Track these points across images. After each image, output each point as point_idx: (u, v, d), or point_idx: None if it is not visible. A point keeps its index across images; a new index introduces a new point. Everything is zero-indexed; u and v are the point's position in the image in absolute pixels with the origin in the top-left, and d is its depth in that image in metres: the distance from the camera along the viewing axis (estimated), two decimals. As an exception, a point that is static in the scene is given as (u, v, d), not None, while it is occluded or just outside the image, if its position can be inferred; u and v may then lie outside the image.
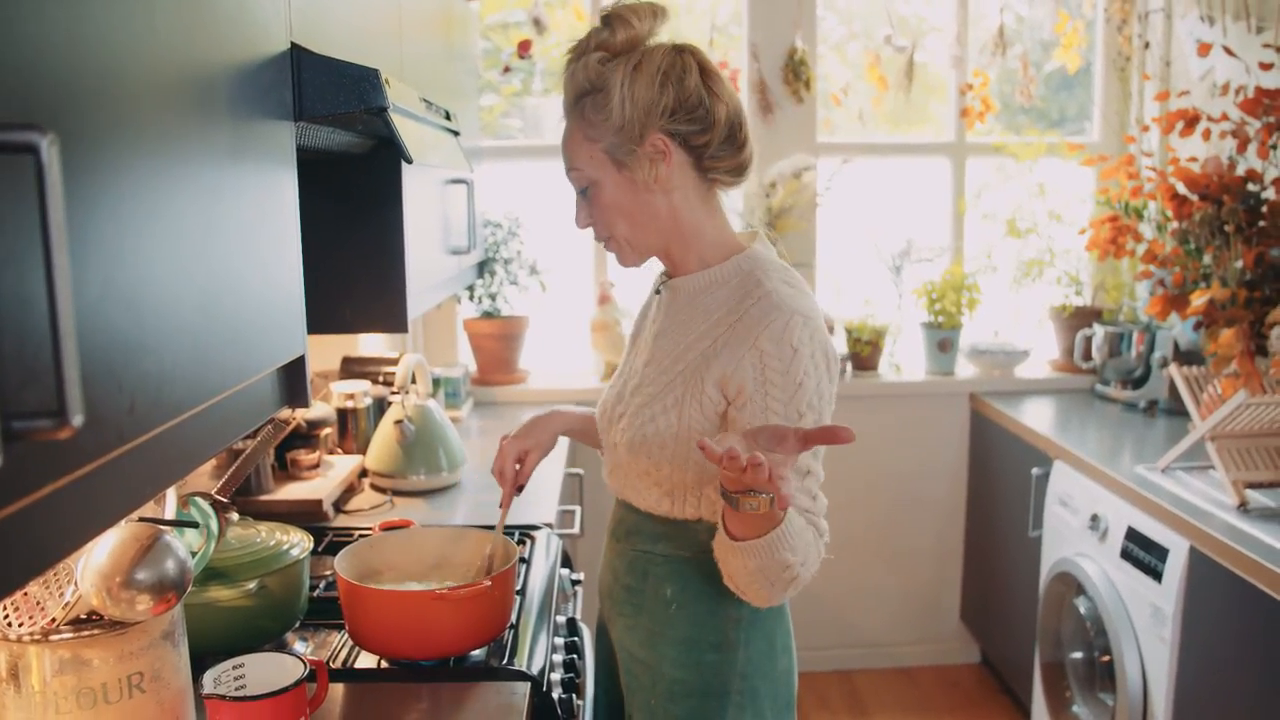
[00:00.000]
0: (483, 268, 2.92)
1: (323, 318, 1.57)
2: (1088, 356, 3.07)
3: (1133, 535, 2.22)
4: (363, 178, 1.56)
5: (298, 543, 1.44)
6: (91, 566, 0.94)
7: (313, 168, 1.43)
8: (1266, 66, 2.52)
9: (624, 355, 1.46)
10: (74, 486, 0.66)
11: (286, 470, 2.07)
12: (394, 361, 2.50)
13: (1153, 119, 2.97)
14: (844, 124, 3.31)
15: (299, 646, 1.44)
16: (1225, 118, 2.53)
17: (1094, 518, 2.39)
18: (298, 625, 1.45)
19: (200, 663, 1.15)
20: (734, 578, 1.20)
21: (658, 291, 1.40)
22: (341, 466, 2.14)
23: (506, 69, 3.12)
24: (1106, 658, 2.29)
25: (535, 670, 1.36)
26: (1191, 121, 2.59)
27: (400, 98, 1.28)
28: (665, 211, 1.29)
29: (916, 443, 3.23)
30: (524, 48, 3.03)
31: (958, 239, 3.32)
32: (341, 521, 2.00)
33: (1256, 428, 2.14)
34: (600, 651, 1.50)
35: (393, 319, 1.59)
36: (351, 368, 2.53)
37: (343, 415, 2.30)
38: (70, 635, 0.97)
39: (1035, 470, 2.71)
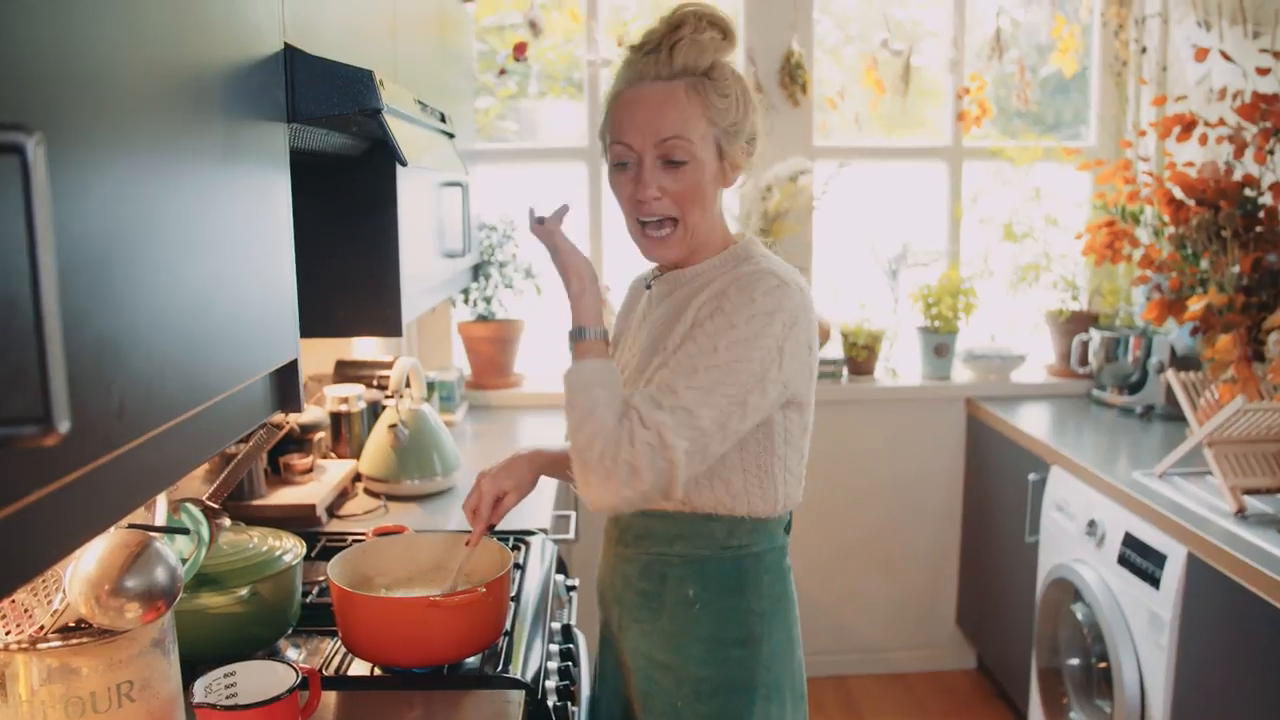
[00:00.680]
0: (477, 271, 2.90)
1: (316, 321, 1.55)
2: (1084, 361, 3.06)
3: (1130, 541, 2.21)
4: (357, 180, 1.54)
5: (290, 549, 1.42)
6: (80, 574, 0.92)
7: (307, 170, 1.41)
8: (1263, 72, 2.52)
9: (613, 353, 1.45)
10: (60, 493, 0.64)
11: (279, 475, 2.05)
12: (388, 365, 2.48)
13: (1149, 124, 2.97)
14: (840, 128, 3.30)
15: (291, 654, 1.42)
16: (1222, 123, 2.53)
17: (1091, 523, 2.38)
18: (290, 632, 1.44)
19: (191, 671, 1.14)
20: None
21: (648, 287, 1.41)
22: (335, 471, 2.13)
23: (502, 71, 3.11)
24: (1104, 664, 2.28)
25: (530, 678, 1.35)
26: (1188, 126, 2.58)
27: (394, 99, 1.27)
28: (715, 206, 1.33)
29: (913, 447, 3.22)
30: (520, 50, 3.02)
31: (954, 243, 3.32)
32: (335, 527, 1.98)
33: (1254, 433, 2.13)
34: (606, 663, 1.47)
35: (387, 322, 1.58)
36: (345, 371, 2.51)
37: (336, 419, 2.28)
38: (58, 643, 0.96)
39: (1032, 475, 2.70)
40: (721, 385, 1.18)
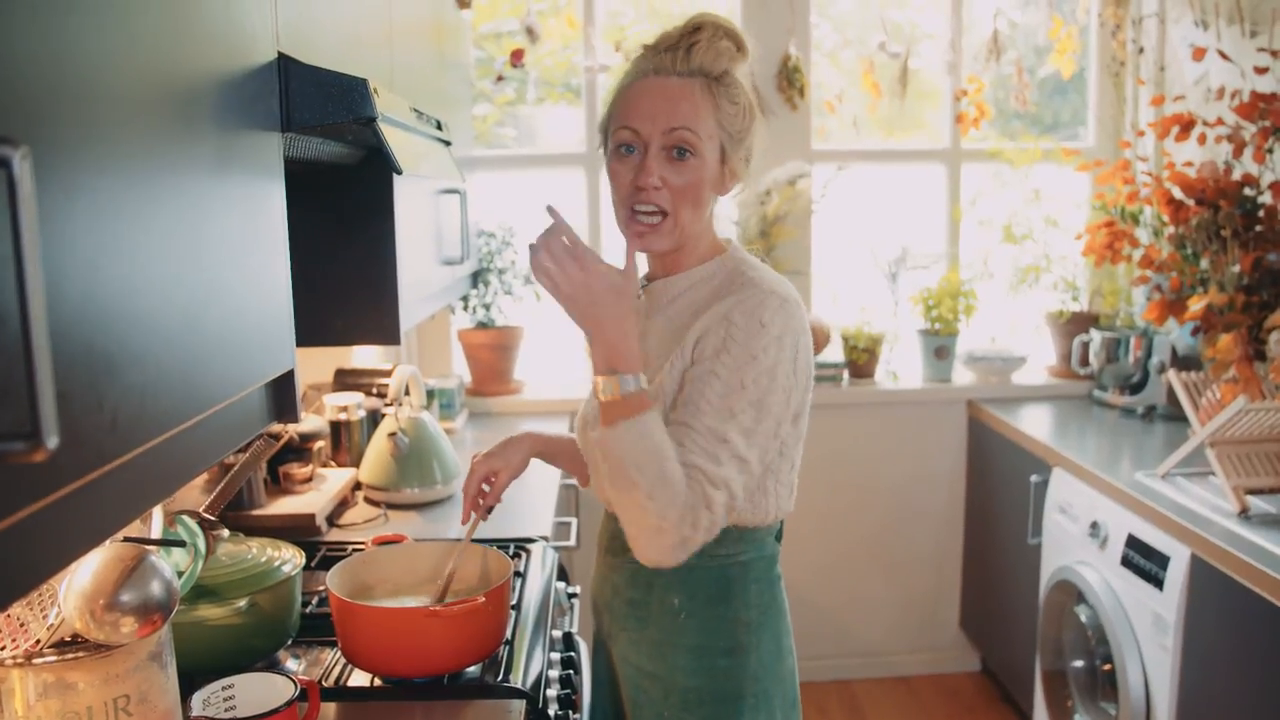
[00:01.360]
0: (477, 278, 2.90)
1: (314, 330, 1.55)
2: (1085, 362, 3.06)
3: (1133, 543, 2.20)
4: (354, 188, 1.54)
5: (289, 559, 1.41)
6: (74, 589, 0.92)
7: (303, 178, 1.41)
8: (1261, 71, 2.51)
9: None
10: (52, 508, 0.64)
11: (279, 484, 2.04)
12: (387, 373, 2.48)
13: (1148, 124, 2.96)
14: (839, 131, 3.30)
15: (291, 664, 1.42)
16: (1220, 122, 2.52)
17: (1094, 525, 2.37)
18: (290, 643, 1.43)
19: (190, 683, 1.13)
20: (606, 489, 1.22)
21: (636, 296, 1.39)
22: (335, 480, 2.12)
23: (499, 78, 3.11)
24: (1108, 666, 2.27)
25: (530, 686, 1.34)
26: (1187, 126, 2.58)
27: (389, 108, 1.26)
28: (707, 210, 1.32)
29: (914, 450, 3.22)
30: (517, 57, 3.02)
31: (953, 245, 3.31)
32: (335, 536, 1.98)
33: (1256, 433, 2.12)
34: (599, 670, 1.47)
35: (385, 331, 1.57)
36: (345, 380, 2.51)
37: (336, 428, 2.28)
38: (54, 658, 0.95)
39: (1034, 477, 2.70)
40: (760, 422, 1.20)
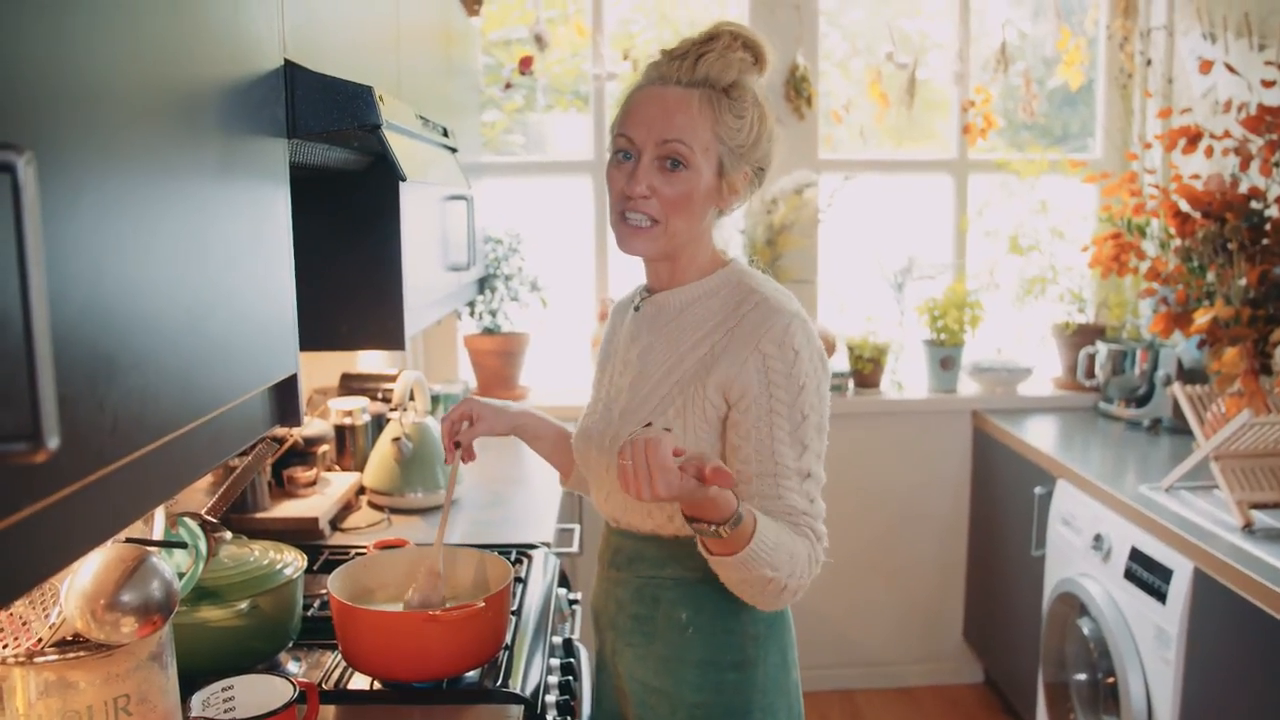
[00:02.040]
0: (483, 284, 2.91)
1: (319, 334, 1.56)
2: (1091, 374, 3.05)
3: (1136, 556, 2.20)
4: (360, 194, 1.55)
5: (291, 562, 1.42)
6: (75, 589, 0.92)
7: (309, 184, 1.42)
8: (1269, 84, 2.51)
9: (596, 380, 1.44)
10: (53, 509, 0.64)
11: (283, 487, 2.05)
12: (393, 378, 2.49)
13: (1155, 136, 2.96)
14: (847, 140, 3.30)
15: (292, 667, 1.42)
16: (1228, 135, 2.52)
17: (1097, 537, 2.36)
18: (292, 645, 1.44)
19: (191, 684, 1.14)
20: (727, 584, 1.23)
21: (636, 309, 1.38)
22: (339, 484, 2.13)
23: (508, 85, 3.12)
24: (1111, 679, 2.26)
25: (529, 692, 1.35)
26: (1194, 139, 2.58)
27: (395, 115, 1.27)
28: (703, 223, 1.31)
29: (918, 461, 3.21)
30: (525, 64, 3.03)
31: (960, 256, 3.31)
32: (338, 540, 1.98)
33: (1261, 447, 2.12)
34: (603, 686, 1.45)
35: (390, 336, 1.58)
36: (350, 384, 2.52)
37: (341, 432, 2.29)
38: (55, 657, 0.96)
39: (1038, 489, 2.69)
40: (822, 441, 1.27)
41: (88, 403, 0.68)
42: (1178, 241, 2.68)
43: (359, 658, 1.32)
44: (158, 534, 1.04)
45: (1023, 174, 3.18)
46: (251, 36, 1.01)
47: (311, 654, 1.47)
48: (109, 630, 0.92)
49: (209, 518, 1.21)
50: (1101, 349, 3.01)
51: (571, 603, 1.89)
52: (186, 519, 1.18)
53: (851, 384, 3.17)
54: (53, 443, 0.58)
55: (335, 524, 2.06)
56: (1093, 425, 2.98)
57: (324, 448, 2.17)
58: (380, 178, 1.54)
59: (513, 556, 1.82)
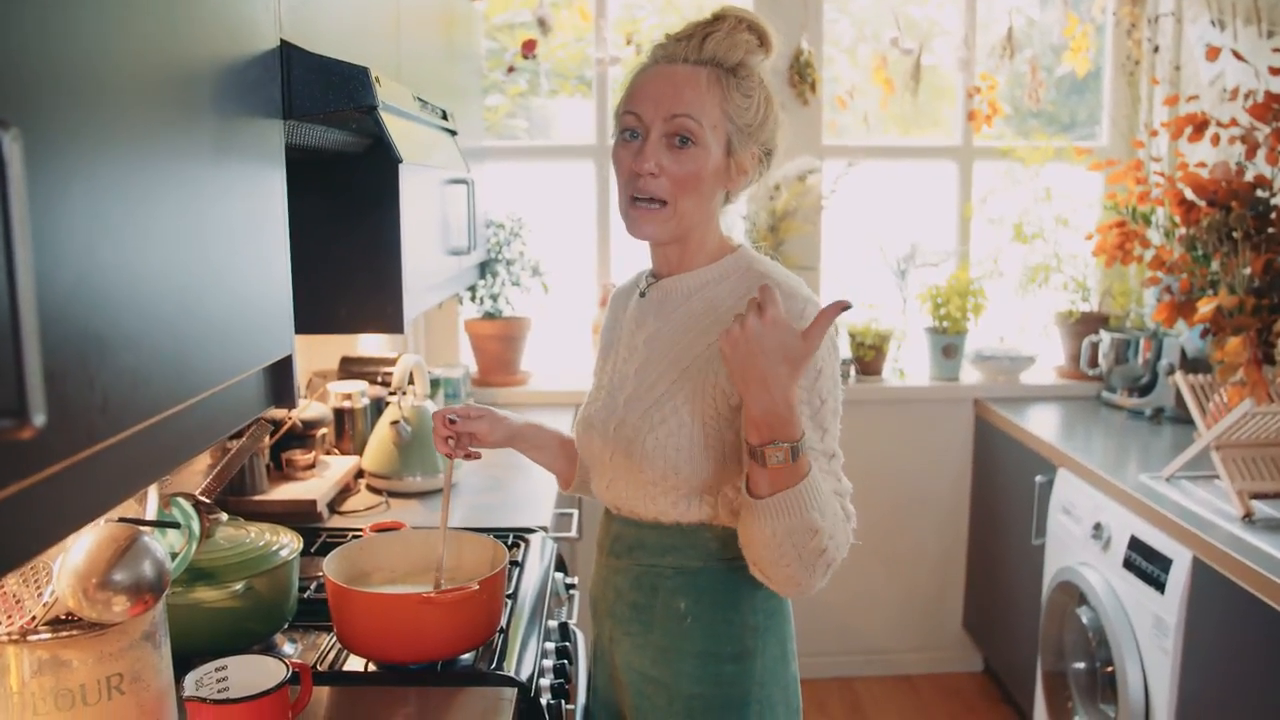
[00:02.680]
0: (485, 268, 2.91)
1: (318, 317, 1.56)
2: (1094, 363, 3.04)
3: (1135, 545, 2.19)
4: (360, 176, 1.54)
5: (287, 544, 1.42)
6: (67, 567, 0.93)
7: (309, 166, 1.42)
8: (1276, 71, 2.49)
9: (599, 367, 1.42)
10: (41, 486, 0.64)
11: (282, 470, 2.06)
12: (393, 362, 2.49)
13: (1161, 124, 2.94)
14: (854, 127, 3.29)
15: (288, 648, 1.43)
16: (1234, 123, 2.51)
17: (1097, 526, 2.36)
18: (287, 627, 1.44)
19: (186, 664, 1.14)
20: (761, 556, 1.18)
21: (642, 294, 1.37)
22: (338, 467, 2.13)
23: (511, 69, 3.11)
24: (1109, 668, 2.26)
25: (524, 676, 1.35)
26: (1200, 126, 2.56)
27: (391, 96, 1.27)
28: (711, 205, 1.30)
29: (920, 449, 3.21)
30: (528, 47, 3.02)
31: (963, 243, 3.30)
32: (336, 522, 1.99)
33: (1263, 437, 2.11)
34: (600, 675, 1.44)
35: (389, 319, 1.58)
36: (350, 368, 2.52)
37: (340, 415, 2.29)
38: (49, 635, 0.96)
39: (1039, 478, 2.69)
40: (839, 423, 1.26)
41: (77, 380, 0.67)
42: (1182, 230, 2.67)
43: (354, 639, 1.32)
44: (151, 514, 1.04)
45: (1027, 161, 3.17)
46: (247, 16, 1.00)
47: (308, 636, 1.47)
48: (100, 609, 0.92)
49: (202, 498, 1.21)
50: (1105, 338, 3.00)
51: (569, 587, 1.89)
52: (180, 499, 1.18)
53: (853, 371, 3.16)
54: (39, 419, 0.58)
55: (333, 507, 2.07)
56: (1095, 414, 2.98)
57: (323, 431, 2.18)
58: (379, 160, 1.53)
59: (509, 540, 1.82)
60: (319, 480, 2.04)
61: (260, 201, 1.03)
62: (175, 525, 1.15)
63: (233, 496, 1.91)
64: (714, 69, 1.26)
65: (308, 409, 2.14)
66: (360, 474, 2.22)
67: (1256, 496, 2.07)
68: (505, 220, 3.00)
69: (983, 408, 3.14)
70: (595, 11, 3.10)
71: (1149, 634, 2.12)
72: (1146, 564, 2.14)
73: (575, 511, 2.21)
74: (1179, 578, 2.02)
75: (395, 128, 1.33)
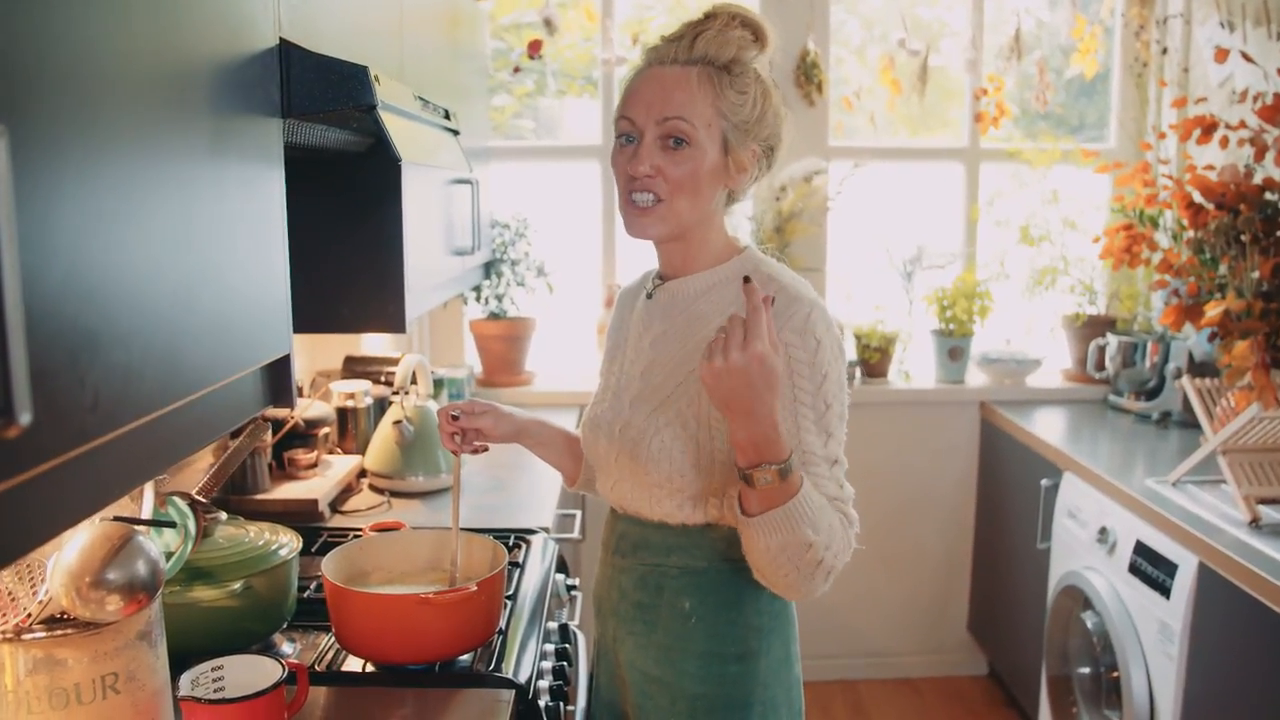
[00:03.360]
0: (489, 269, 2.91)
1: (320, 316, 1.56)
2: (1101, 367, 3.02)
3: (1141, 549, 2.18)
4: (362, 176, 1.54)
5: (286, 543, 1.42)
6: (61, 566, 0.92)
7: (312, 165, 1.41)
8: (1286, 74, 2.48)
9: (605, 368, 1.41)
10: (30, 484, 0.64)
11: (284, 469, 2.06)
12: (396, 362, 2.49)
13: (1170, 126, 2.93)
14: (859, 128, 3.28)
15: (286, 648, 1.42)
16: (1243, 125, 2.49)
17: (1103, 531, 2.35)
18: (286, 626, 1.44)
19: (183, 664, 1.14)
20: (759, 566, 1.19)
21: (649, 296, 1.36)
22: (340, 466, 2.13)
23: (516, 69, 3.11)
24: (1114, 673, 2.25)
25: (522, 678, 1.34)
26: (1209, 129, 2.54)
27: (391, 96, 1.27)
28: (712, 205, 1.29)
29: (925, 451, 3.20)
30: (534, 48, 3.02)
31: (970, 245, 3.29)
32: (337, 522, 1.99)
33: (1270, 442, 2.10)
34: (603, 674, 1.44)
35: (391, 319, 1.58)
36: (354, 367, 2.52)
37: (343, 415, 2.29)
38: (43, 634, 0.96)
39: (1045, 481, 2.67)
40: (843, 428, 1.25)
41: (67, 378, 0.67)
42: (1190, 233, 2.65)
43: (351, 640, 1.32)
44: (146, 513, 1.03)
45: (1035, 163, 3.15)
46: (246, 15, 1.00)
47: (306, 635, 1.47)
48: (94, 608, 0.92)
49: (199, 497, 1.20)
50: (1112, 341, 2.98)
51: (570, 589, 1.89)
52: (176, 498, 1.18)
53: (859, 373, 3.15)
54: (24, 418, 0.58)
55: (335, 506, 2.07)
56: (1101, 418, 2.96)
57: (325, 430, 2.18)
58: (382, 160, 1.53)
59: (510, 542, 1.81)
60: (321, 480, 2.04)
61: (258, 200, 1.02)
62: (171, 524, 1.14)
63: (234, 495, 1.91)
64: (704, 68, 1.25)
65: (310, 408, 2.14)
66: (363, 474, 2.22)
67: (1263, 501, 2.05)
68: (510, 220, 2.99)
69: (988, 410, 3.12)
70: (601, 12, 3.09)
71: (1154, 639, 2.10)
72: (1152, 569, 2.12)
73: (578, 512, 2.21)
74: (1185, 583, 2.00)
75: (395, 127, 1.33)
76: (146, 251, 0.78)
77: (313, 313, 1.52)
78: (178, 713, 1.09)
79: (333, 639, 1.42)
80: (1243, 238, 2.45)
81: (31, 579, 0.97)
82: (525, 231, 3.00)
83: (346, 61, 1.13)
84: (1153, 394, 2.92)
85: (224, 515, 1.36)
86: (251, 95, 1.01)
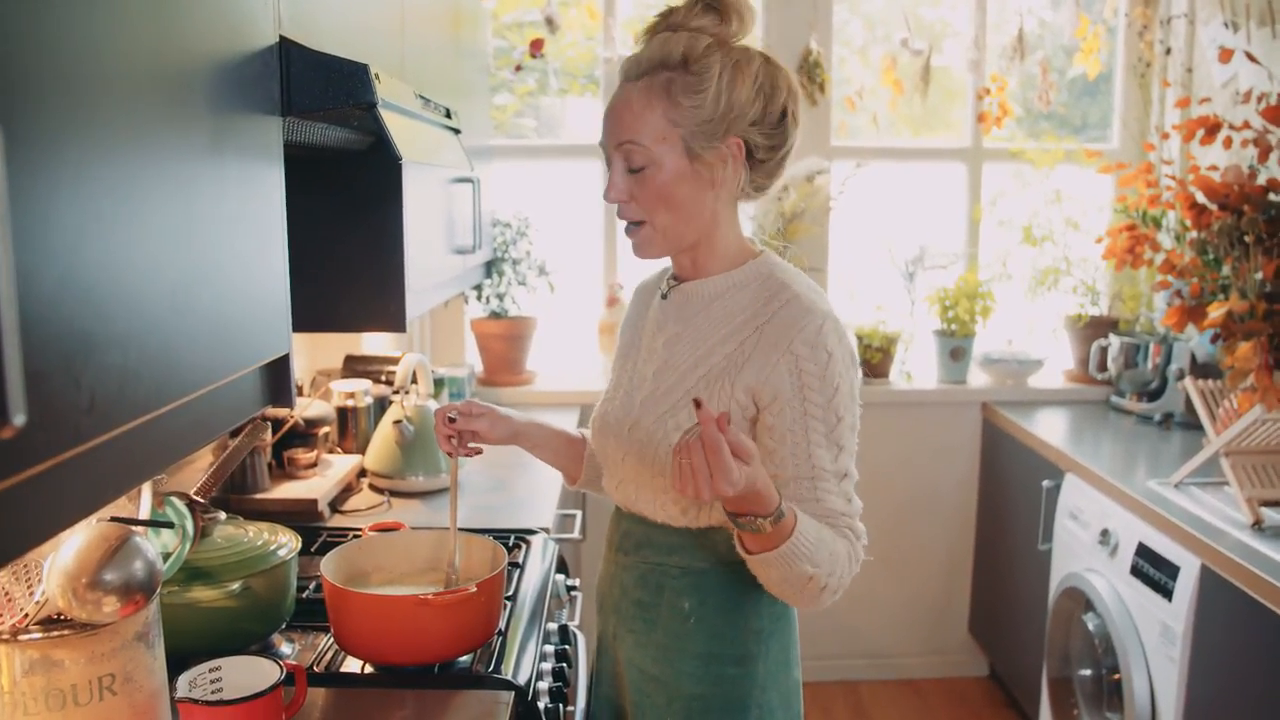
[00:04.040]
0: (491, 268, 2.90)
1: (320, 315, 1.55)
2: (1103, 367, 3.02)
3: (1143, 551, 2.17)
4: (363, 174, 1.54)
5: (285, 543, 1.42)
6: (57, 567, 0.92)
7: (312, 164, 1.41)
8: (1290, 75, 2.47)
9: (618, 365, 1.40)
10: (25, 485, 0.64)
11: (284, 469, 2.05)
12: (397, 361, 2.48)
13: (1173, 126, 2.92)
14: (861, 128, 3.27)
15: (285, 649, 1.42)
16: (1247, 126, 2.48)
17: (1104, 532, 2.34)
18: (285, 627, 1.44)
19: (182, 664, 1.13)
20: (764, 586, 1.21)
21: (664, 296, 1.34)
22: (340, 466, 2.12)
23: (518, 68, 3.10)
24: (1115, 676, 2.24)
25: (521, 679, 1.34)
26: (1212, 129, 2.53)
27: (392, 94, 1.26)
28: (709, 211, 1.26)
29: (927, 452, 3.19)
30: (536, 46, 3.01)
31: (972, 246, 3.28)
32: (337, 522, 1.98)
33: (1273, 444, 2.09)
34: (603, 670, 1.43)
35: (391, 318, 1.57)
36: (354, 367, 2.51)
37: (343, 414, 2.28)
38: (40, 635, 0.96)
39: (1046, 482, 2.67)
40: (855, 441, 1.25)
41: (62, 379, 0.66)
42: (1193, 234, 2.64)
43: (350, 640, 1.32)
44: (144, 513, 1.03)
45: (1037, 164, 3.15)
46: (245, 12, 0.99)
47: (305, 636, 1.46)
48: (91, 609, 0.91)
49: (197, 498, 1.20)
50: (1114, 342, 2.97)
51: (570, 589, 1.88)
52: (174, 499, 1.17)
53: (860, 374, 3.14)
54: (18, 419, 0.57)
55: (335, 506, 2.06)
56: (1104, 419, 2.95)
57: (325, 429, 2.17)
58: (382, 158, 1.52)
59: (510, 542, 1.81)
60: (321, 479, 2.04)
61: (257, 199, 1.02)
62: (169, 524, 1.14)
63: (234, 495, 1.90)
64: (655, 76, 1.21)
65: (310, 407, 2.14)
66: (363, 473, 2.21)
67: (1266, 504, 2.04)
68: (511, 219, 2.99)
69: (990, 411, 3.12)
70: (604, 10, 3.09)
71: (1156, 642, 2.10)
72: (1154, 571, 2.12)
73: (579, 512, 2.20)
74: (1187, 585, 2.00)
75: (396, 125, 1.32)
76: (145, 251, 0.77)
77: (312, 312, 1.51)
78: (175, 714, 1.08)
79: (331, 640, 1.41)
80: (1246, 239, 2.45)
81: (28, 580, 0.97)
82: (526, 230, 2.99)
83: (347, 59, 1.12)
84: (1155, 395, 2.92)
85: (223, 515, 1.36)
86: (251, 93, 1.01)
